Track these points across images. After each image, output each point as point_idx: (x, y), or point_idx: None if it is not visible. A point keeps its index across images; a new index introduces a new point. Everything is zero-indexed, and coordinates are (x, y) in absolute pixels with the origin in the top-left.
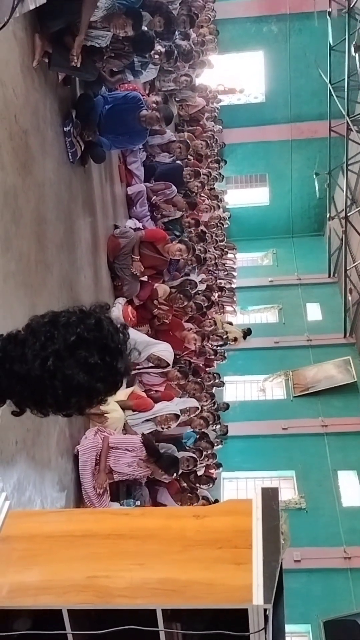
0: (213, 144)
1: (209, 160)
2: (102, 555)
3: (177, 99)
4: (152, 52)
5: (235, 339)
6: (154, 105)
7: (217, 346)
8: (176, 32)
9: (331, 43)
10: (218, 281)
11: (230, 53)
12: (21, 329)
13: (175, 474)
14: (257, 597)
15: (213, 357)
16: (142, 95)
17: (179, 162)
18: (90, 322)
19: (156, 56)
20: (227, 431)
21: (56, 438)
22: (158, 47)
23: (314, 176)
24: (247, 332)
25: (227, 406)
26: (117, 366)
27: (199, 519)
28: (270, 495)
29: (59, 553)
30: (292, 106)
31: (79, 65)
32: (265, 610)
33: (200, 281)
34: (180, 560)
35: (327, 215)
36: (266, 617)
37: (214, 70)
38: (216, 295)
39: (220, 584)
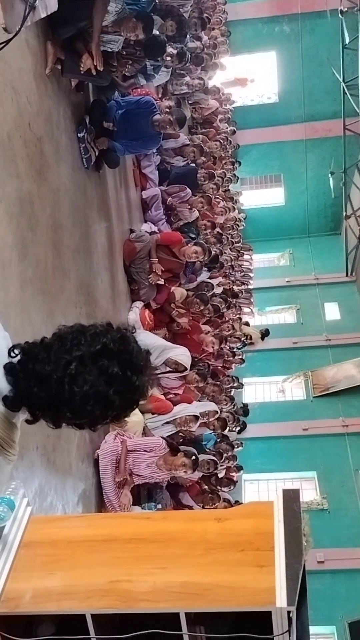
0: (227, 146)
1: (224, 162)
2: (124, 560)
3: (190, 102)
4: (164, 55)
5: (250, 338)
6: (167, 109)
7: (236, 348)
8: (188, 35)
9: (344, 41)
10: (235, 283)
11: (243, 54)
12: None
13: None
14: (281, 600)
15: (231, 359)
16: (155, 100)
17: (193, 164)
18: (116, 336)
19: (168, 58)
20: (245, 426)
21: (76, 443)
22: (170, 50)
23: (329, 175)
24: (265, 333)
25: (246, 409)
26: (136, 383)
27: (221, 522)
28: (291, 497)
29: (81, 558)
30: (306, 105)
31: (101, 69)
32: (288, 612)
33: (217, 284)
34: (202, 564)
35: (344, 214)
36: (290, 620)
37: (227, 73)
38: (233, 302)
39: (243, 586)
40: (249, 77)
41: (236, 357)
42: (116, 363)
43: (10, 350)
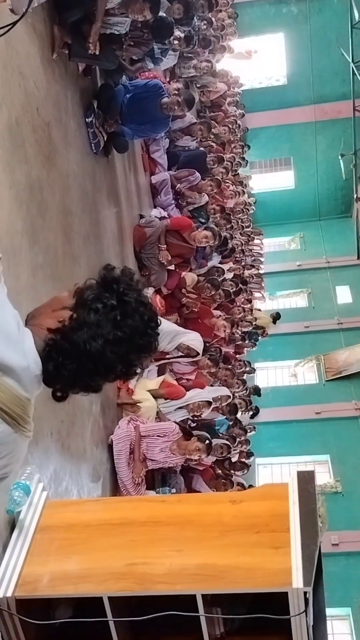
0: (236, 129)
1: (233, 145)
2: (140, 543)
3: (198, 85)
4: (172, 37)
5: (264, 332)
6: (176, 92)
7: (252, 341)
8: (195, 17)
9: (353, 21)
10: (245, 268)
11: (250, 36)
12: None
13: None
14: (297, 580)
15: (243, 343)
16: (163, 83)
17: (202, 148)
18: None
19: (175, 42)
20: (258, 411)
21: (90, 429)
22: (177, 32)
23: (340, 157)
24: (276, 317)
25: (258, 390)
26: (158, 332)
27: (236, 504)
28: (306, 479)
29: (98, 541)
30: (315, 87)
31: (97, 53)
32: (305, 593)
33: (228, 269)
34: (218, 546)
35: (354, 196)
36: (306, 600)
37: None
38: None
39: (260, 568)
40: (252, 49)
41: (248, 342)
42: (148, 313)
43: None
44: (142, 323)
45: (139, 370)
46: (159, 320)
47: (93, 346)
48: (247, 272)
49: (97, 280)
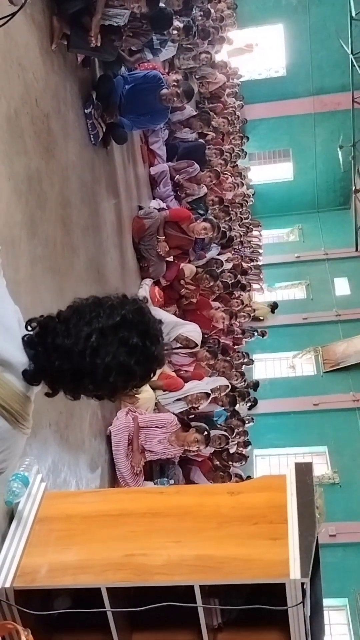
0: (235, 121)
1: (231, 137)
2: (138, 534)
3: (197, 77)
4: (171, 28)
5: (264, 334)
6: (175, 83)
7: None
8: (194, 8)
9: (352, 13)
10: (244, 259)
11: (250, 27)
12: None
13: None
14: (294, 572)
15: (241, 335)
16: (162, 74)
17: (201, 140)
18: (133, 307)
19: (174, 32)
20: (256, 403)
21: (89, 420)
22: (176, 23)
23: (338, 149)
24: (274, 306)
25: (256, 384)
26: (155, 352)
27: (234, 496)
28: (304, 470)
29: (96, 532)
30: (314, 79)
31: (98, 45)
32: (302, 584)
33: (226, 260)
34: (216, 537)
35: (353, 188)
36: (304, 591)
37: (234, 46)
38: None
39: (257, 559)
40: (254, 42)
41: (246, 333)
42: (135, 334)
43: (27, 324)
44: (115, 362)
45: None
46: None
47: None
48: (245, 265)
49: (115, 301)
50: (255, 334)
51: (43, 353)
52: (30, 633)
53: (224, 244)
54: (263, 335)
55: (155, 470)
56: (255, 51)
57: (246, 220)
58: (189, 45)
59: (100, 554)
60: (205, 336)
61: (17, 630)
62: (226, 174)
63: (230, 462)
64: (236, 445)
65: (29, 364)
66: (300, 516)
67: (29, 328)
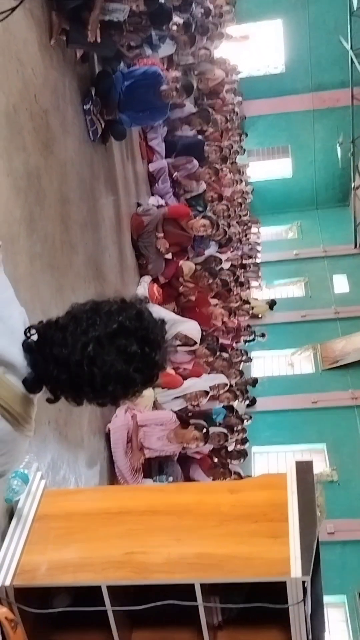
0: (234, 117)
1: (230, 133)
2: (138, 532)
3: (195, 73)
4: (170, 24)
5: (263, 335)
6: (174, 80)
7: (246, 341)
8: (193, 4)
9: (352, 8)
10: (242, 256)
11: (248, 23)
12: (62, 316)
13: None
14: (295, 570)
15: (241, 332)
16: (162, 70)
17: (200, 136)
18: (132, 313)
19: (174, 27)
20: (255, 401)
21: (88, 417)
22: (176, 19)
23: (337, 146)
24: (272, 303)
25: (255, 381)
26: (155, 358)
27: (234, 494)
28: (305, 469)
29: (96, 530)
30: (313, 75)
31: (98, 41)
32: (303, 582)
33: (225, 259)
34: (216, 535)
35: (352, 185)
36: (305, 589)
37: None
38: (240, 272)
39: (258, 557)
40: (246, 33)
41: (245, 331)
42: (134, 341)
43: (26, 331)
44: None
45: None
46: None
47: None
48: (243, 262)
49: (113, 307)
50: (254, 335)
51: (42, 362)
52: (19, 624)
53: (223, 243)
54: (263, 336)
55: (154, 468)
56: (250, 42)
57: (245, 218)
58: (187, 42)
59: (100, 552)
60: (204, 333)
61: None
62: (225, 170)
63: (229, 460)
64: (234, 443)
65: (28, 372)
66: (301, 514)
67: (28, 334)
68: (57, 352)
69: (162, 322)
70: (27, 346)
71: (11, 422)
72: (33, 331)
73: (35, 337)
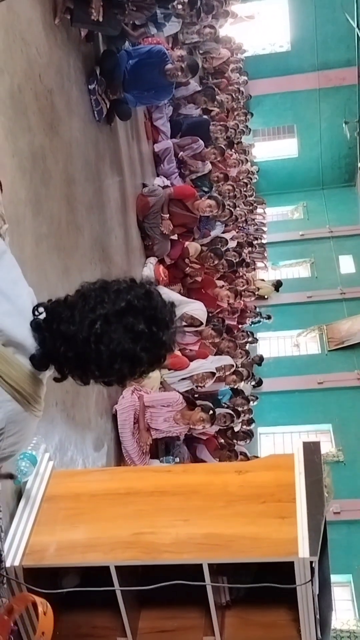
0: (239, 97)
1: (236, 113)
2: (146, 512)
3: (200, 52)
4: (175, 2)
5: (269, 317)
6: (179, 59)
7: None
8: None
9: None
10: (248, 237)
11: (254, 1)
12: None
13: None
14: (303, 550)
15: (246, 313)
16: (166, 49)
17: (205, 116)
18: (141, 292)
19: (179, 6)
20: (261, 382)
21: (95, 399)
22: None
23: (344, 125)
24: (277, 285)
25: (261, 359)
26: (162, 338)
27: (242, 474)
28: (312, 449)
29: (104, 511)
30: (319, 53)
31: (100, 19)
32: (311, 562)
33: (231, 238)
34: (224, 515)
35: (358, 165)
36: (312, 570)
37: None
38: (247, 251)
39: (266, 537)
40: (253, 12)
41: (250, 312)
42: (142, 319)
43: (34, 309)
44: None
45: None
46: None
47: (84, 332)
48: (249, 240)
49: (122, 286)
50: (260, 317)
51: (49, 339)
52: (49, 607)
53: (229, 223)
54: (269, 319)
55: (161, 449)
56: (256, 21)
57: (250, 198)
58: (193, 20)
59: (108, 533)
60: (210, 315)
61: (35, 603)
62: (231, 151)
63: (235, 441)
64: (240, 424)
65: (36, 349)
66: (308, 495)
67: (37, 313)
68: (65, 329)
69: (172, 304)
70: (35, 324)
71: (21, 403)
72: (41, 309)
73: (43, 315)
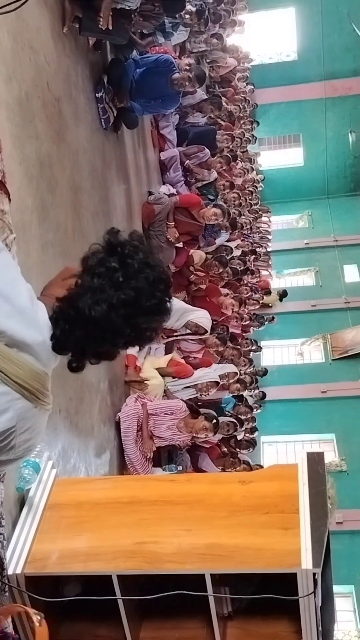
0: (245, 106)
1: (242, 122)
2: (149, 522)
3: (207, 61)
4: (183, 12)
5: (273, 317)
6: (187, 68)
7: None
8: None
9: None
10: (253, 245)
11: (261, 11)
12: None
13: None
14: (306, 562)
15: (250, 322)
16: (174, 58)
17: (212, 125)
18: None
19: (187, 16)
20: (265, 396)
21: (98, 406)
22: (188, 7)
23: (349, 134)
24: (282, 294)
25: (265, 371)
26: (149, 276)
27: (245, 485)
28: (316, 460)
29: (107, 520)
30: (325, 63)
31: (110, 29)
32: (314, 574)
33: (235, 247)
34: (227, 526)
35: None
36: (315, 581)
37: (245, 30)
38: (251, 258)
39: (269, 548)
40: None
41: (254, 321)
42: (155, 273)
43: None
44: (147, 284)
45: (153, 335)
46: (169, 281)
47: (97, 311)
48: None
49: (102, 245)
50: (264, 320)
51: (66, 310)
52: (43, 618)
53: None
54: (272, 320)
55: (164, 457)
56: (261, 30)
57: (255, 206)
58: (200, 29)
59: (111, 541)
60: (215, 323)
61: (28, 614)
62: (237, 159)
63: (238, 449)
64: (243, 432)
65: (50, 335)
66: (312, 506)
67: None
68: (89, 283)
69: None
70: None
71: (30, 399)
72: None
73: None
